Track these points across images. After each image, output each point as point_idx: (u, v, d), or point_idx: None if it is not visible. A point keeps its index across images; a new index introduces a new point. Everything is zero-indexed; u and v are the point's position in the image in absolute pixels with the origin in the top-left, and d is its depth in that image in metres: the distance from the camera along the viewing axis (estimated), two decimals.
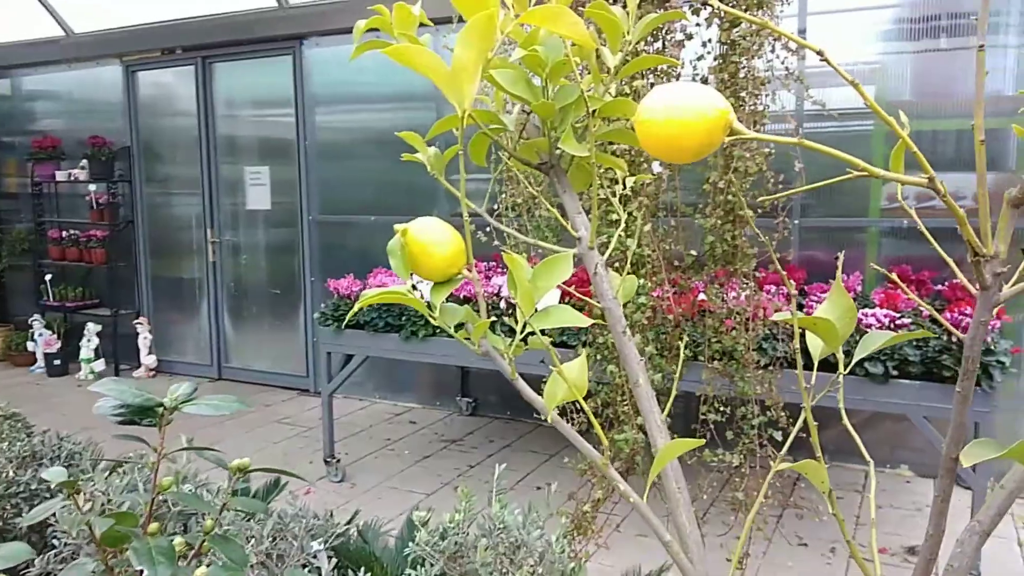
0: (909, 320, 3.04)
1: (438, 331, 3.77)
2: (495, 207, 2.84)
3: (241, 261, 6.04)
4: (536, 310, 0.78)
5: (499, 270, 4.20)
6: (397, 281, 3.97)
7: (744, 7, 2.03)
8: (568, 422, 2.35)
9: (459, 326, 0.82)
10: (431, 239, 0.78)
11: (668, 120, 0.61)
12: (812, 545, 3.27)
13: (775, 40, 2.07)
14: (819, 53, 0.52)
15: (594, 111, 0.95)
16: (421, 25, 0.88)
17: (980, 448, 0.62)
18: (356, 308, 0.76)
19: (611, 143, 1.98)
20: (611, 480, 0.76)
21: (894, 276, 0.79)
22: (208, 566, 0.87)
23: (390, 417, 5.18)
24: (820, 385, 3.01)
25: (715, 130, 0.60)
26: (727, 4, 2.02)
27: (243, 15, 5.61)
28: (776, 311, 2.40)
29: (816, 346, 0.75)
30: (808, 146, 0.58)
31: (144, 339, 6.27)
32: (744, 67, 2.15)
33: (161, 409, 1.12)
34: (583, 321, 0.80)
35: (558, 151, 0.98)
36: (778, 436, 2.33)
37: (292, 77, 5.52)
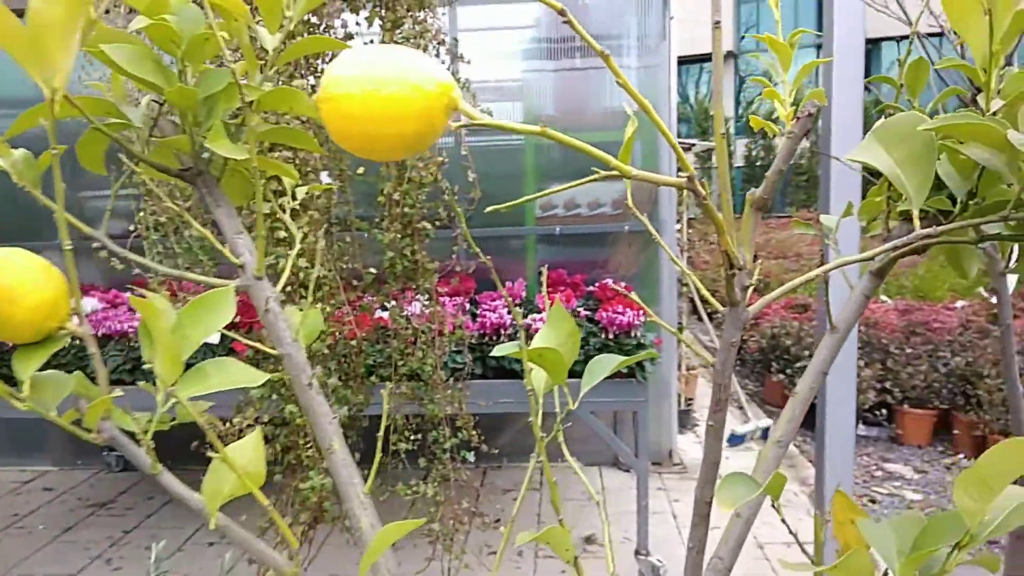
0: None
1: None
2: (132, 228, 2.42)
3: None
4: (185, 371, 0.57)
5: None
6: None
7: (406, 7, 1.93)
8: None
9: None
10: (13, 281, 0.52)
11: (370, 95, 0.43)
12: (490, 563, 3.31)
13: (438, 44, 2.01)
14: (561, 12, 0.39)
15: (251, 103, 0.75)
16: None
17: (734, 489, 0.55)
18: None
19: (270, 149, 1.75)
20: None
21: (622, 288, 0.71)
22: None
23: (17, 487, 4.28)
24: (501, 390, 3.06)
25: (436, 111, 0.43)
26: (388, 6, 1.91)
27: None
28: (456, 326, 2.35)
29: (540, 378, 0.64)
30: (554, 137, 0.45)
31: None
32: None
33: None
34: (256, 378, 0.60)
35: (206, 154, 0.76)
36: (471, 457, 2.27)
37: None
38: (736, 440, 4.60)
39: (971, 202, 0.60)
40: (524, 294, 3.83)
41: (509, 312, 3.35)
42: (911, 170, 0.52)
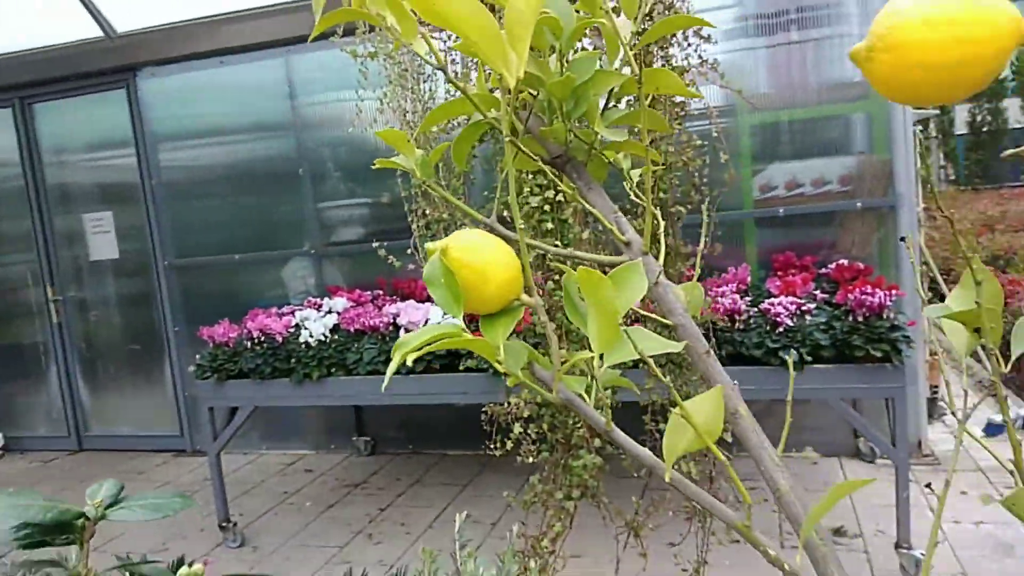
0: (813, 305, 3.08)
1: (333, 370, 3.48)
2: (411, 225, 2.61)
3: (91, 318, 5.43)
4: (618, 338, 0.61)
5: (389, 299, 3.97)
6: (276, 321, 3.64)
7: None
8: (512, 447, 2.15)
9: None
10: (487, 258, 0.58)
11: (943, 36, 0.40)
12: (743, 541, 3.23)
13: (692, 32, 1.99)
14: None
15: (613, 90, 0.79)
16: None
17: None
18: (410, 357, 0.55)
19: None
20: (758, 545, 0.60)
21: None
22: None
23: (283, 468, 4.77)
24: (761, 378, 2.98)
25: (1007, 48, 0.40)
26: None
27: (65, 48, 5.06)
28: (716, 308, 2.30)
29: (962, 341, 0.62)
30: None
31: None
32: (661, 56, 2.06)
33: (82, 521, 0.85)
34: (674, 345, 0.64)
35: (572, 141, 0.81)
36: (728, 438, 2.24)
37: (128, 113, 5.02)
38: (993, 430, 4.19)
39: None
40: (749, 279, 3.70)
41: (741, 297, 3.27)
42: None
